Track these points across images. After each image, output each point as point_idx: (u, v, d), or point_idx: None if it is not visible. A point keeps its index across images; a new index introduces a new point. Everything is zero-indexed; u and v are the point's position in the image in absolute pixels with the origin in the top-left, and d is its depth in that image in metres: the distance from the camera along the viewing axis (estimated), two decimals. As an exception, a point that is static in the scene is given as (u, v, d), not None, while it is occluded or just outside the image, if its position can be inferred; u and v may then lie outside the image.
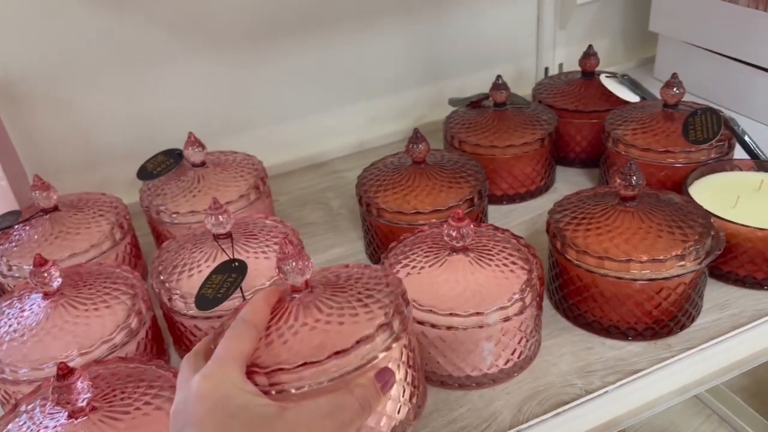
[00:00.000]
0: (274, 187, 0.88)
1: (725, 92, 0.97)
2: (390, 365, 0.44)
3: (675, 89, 0.74)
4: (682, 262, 0.56)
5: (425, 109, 1.03)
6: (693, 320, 0.60)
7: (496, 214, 0.79)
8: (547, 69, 1.09)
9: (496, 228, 0.62)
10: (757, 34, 0.89)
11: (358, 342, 0.42)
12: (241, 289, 0.55)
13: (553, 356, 0.58)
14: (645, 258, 0.56)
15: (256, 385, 0.40)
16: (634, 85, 0.85)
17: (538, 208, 0.80)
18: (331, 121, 0.97)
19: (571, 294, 0.61)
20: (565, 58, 1.09)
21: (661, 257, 0.56)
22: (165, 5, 0.81)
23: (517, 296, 0.54)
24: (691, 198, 0.65)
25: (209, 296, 0.52)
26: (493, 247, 0.58)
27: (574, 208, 0.62)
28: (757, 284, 0.63)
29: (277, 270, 0.45)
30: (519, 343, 0.55)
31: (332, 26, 0.91)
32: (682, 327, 0.60)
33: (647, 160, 0.72)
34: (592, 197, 0.64)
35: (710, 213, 0.62)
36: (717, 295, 0.63)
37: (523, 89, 0.96)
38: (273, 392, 0.41)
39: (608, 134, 0.76)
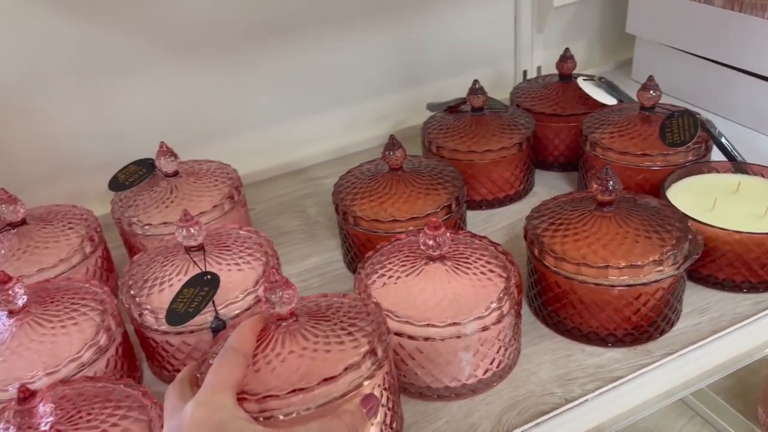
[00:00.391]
0: (251, 196, 0.87)
1: (702, 93, 0.97)
2: (374, 391, 0.45)
3: (651, 92, 0.74)
4: (660, 267, 0.55)
5: (404, 114, 1.02)
6: (673, 325, 0.60)
7: (476, 219, 0.79)
8: (525, 72, 1.08)
9: (474, 235, 0.61)
10: (732, 35, 0.89)
11: (345, 369, 0.44)
12: (213, 303, 0.53)
13: (532, 364, 0.58)
14: (623, 264, 0.55)
15: (247, 411, 0.41)
16: (611, 88, 0.85)
17: (518, 212, 0.79)
18: (308, 128, 0.96)
19: (550, 301, 0.60)
20: (543, 61, 1.09)
21: (639, 263, 0.55)
22: (135, 12, 0.79)
23: (494, 305, 0.53)
24: (669, 201, 0.64)
25: (180, 311, 0.51)
26: (471, 255, 0.57)
27: (552, 213, 0.62)
28: (736, 287, 0.63)
29: (263, 299, 0.46)
30: (498, 352, 0.55)
31: (308, 31, 0.90)
32: (662, 332, 0.59)
33: (625, 163, 0.72)
34: (569, 202, 0.63)
35: (688, 216, 0.61)
36: (697, 299, 0.63)
37: (502, 93, 0.95)
38: (261, 419, 0.42)
39: (586, 138, 0.76)
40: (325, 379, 0.43)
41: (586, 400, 0.53)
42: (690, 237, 0.58)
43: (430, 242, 0.55)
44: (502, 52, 1.07)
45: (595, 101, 0.83)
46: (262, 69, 0.90)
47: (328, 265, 0.74)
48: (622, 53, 1.14)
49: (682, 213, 0.61)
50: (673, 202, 0.65)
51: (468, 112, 0.82)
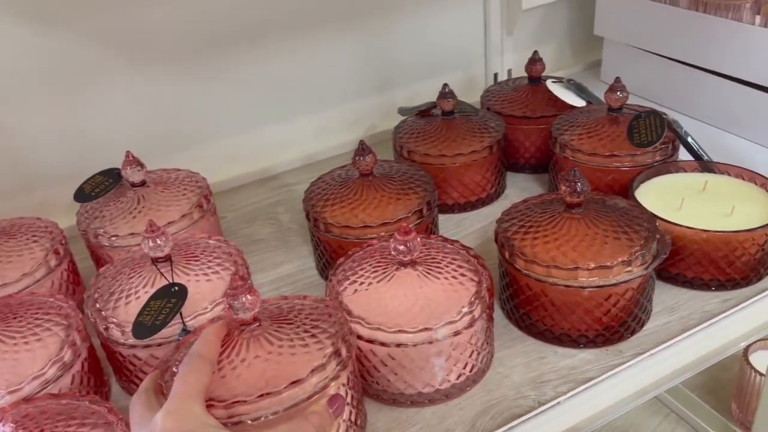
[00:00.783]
0: (222, 204, 0.86)
1: (670, 94, 0.98)
2: (339, 390, 0.46)
3: (618, 93, 0.74)
4: (629, 268, 0.56)
5: (376, 119, 1.02)
6: (643, 325, 0.60)
7: (448, 223, 0.79)
8: (496, 75, 1.09)
9: (446, 239, 0.61)
10: (697, 35, 0.90)
11: (311, 371, 0.44)
12: (181, 314, 0.53)
13: (506, 368, 0.58)
14: (592, 265, 0.56)
15: (215, 418, 0.41)
16: (579, 90, 0.86)
17: (490, 215, 0.79)
18: (280, 134, 0.95)
19: (521, 303, 0.60)
20: (514, 63, 1.10)
21: (608, 263, 0.56)
22: (101, 21, 0.78)
23: (465, 309, 0.53)
24: (637, 202, 0.65)
25: (147, 323, 0.50)
26: (442, 260, 0.57)
27: (522, 216, 0.62)
28: (704, 285, 0.63)
29: (226, 306, 0.46)
30: (470, 356, 0.54)
31: (277, 37, 0.89)
32: (633, 332, 0.59)
33: (594, 164, 0.72)
34: (539, 204, 0.63)
35: (656, 216, 0.62)
36: (666, 298, 0.63)
37: (474, 96, 0.96)
38: (229, 424, 0.42)
39: (555, 140, 0.76)
40: (292, 383, 0.43)
41: (559, 403, 0.53)
42: (658, 237, 0.59)
43: (401, 248, 0.55)
44: (472, 56, 1.07)
45: (564, 103, 0.84)
46: (232, 76, 0.89)
47: (301, 273, 0.73)
48: (592, 55, 1.15)
49: (650, 213, 0.62)
50: (642, 203, 0.66)
51: (439, 116, 0.82)
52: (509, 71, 1.10)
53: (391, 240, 0.55)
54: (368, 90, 1.00)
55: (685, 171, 0.71)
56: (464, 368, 0.54)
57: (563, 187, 0.59)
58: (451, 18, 1.02)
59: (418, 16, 0.99)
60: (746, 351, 0.97)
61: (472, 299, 0.53)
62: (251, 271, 0.71)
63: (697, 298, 0.63)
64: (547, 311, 0.58)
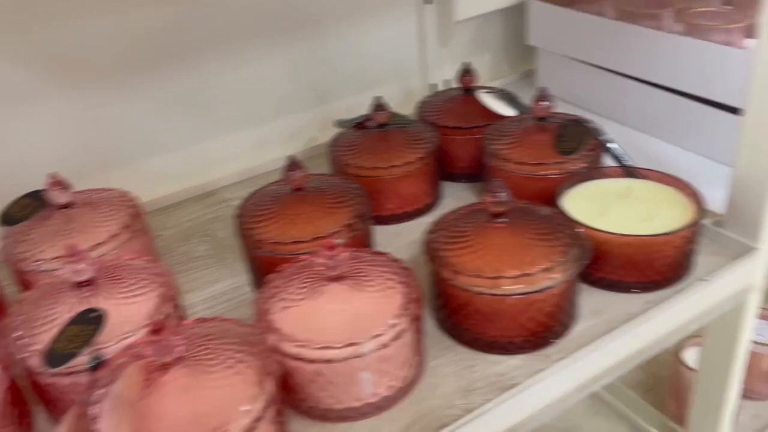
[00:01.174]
0: (158, 222, 0.85)
1: (600, 101, 1.01)
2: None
3: (544, 102, 0.76)
4: (551, 274, 0.57)
5: (316, 132, 1.02)
6: (569, 329, 0.62)
7: (385, 234, 0.79)
8: (434, 86, 1.10)
9: (376, 252, 0.62)
10: (623, 44, 0.93)
11: (237, 412, 0.44)
12: (97, 341, 0.51)
13: (436, 377, 0.58)
14: (515, 273, 0.57)
15: None
16: (511, 100, 0.88)
17: (427, 226, 0.80)
18: (217, 149, 0.95)
19: (451, 313, 0.61)
20: (451, 74, 1.11)
21: (530, 271, 0.57)
22: (23, 40, 0.76)
23: (393, 322, 0.53)
24: (561, 209, 0.67)
25: (61, 351, 0.49)
26: (371, 273, 0.57)
27: (449, 226, 0.63)
28: (628, 288, 0.65)
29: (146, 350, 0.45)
30: (399, 368, 0.55)
31: (211, 51, 0.89)
32: (559, 336, 0.61)
33: (522, 173, 0.74)
34: (467, 215, 0.64)
35: (579, 222, 0.64)
36: (592, 302, 0.65)
37: (412, 107, 0.97)
38: None
39: (486, 149, 0.78)
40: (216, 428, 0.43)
41: (487, 410, 0.54)
42: (579, 243, 0.60)
43: (327, 263, 0.55)
44: (409, 67, 1.08)
45: (496, 113, 0.86)
46: (167, 92, 0.88)
47: (237, 290, 0.72)
48: (527, 64, 1.18)
49: (572, 219, 0.63)
50: (567, 209, 0.67)
51: (373, 128, 0.83)
52: (447, 82, 1.11)
53: (317, 255, 0.55)
54: (307, 103, 1.01)
55: (610, 177, 0.73)
56: (394, 380, 0.55)
57: (487, 198, 0.60)
58: (386, 30, 1.03)
59: (353, 29, 1.00)
60: (680, 348, 1.01)
61: (399, 312, 0.54)
62: (185, 290, 0.71)
63: (621, 301, 0.65)
64: (474, 320, 0.60)
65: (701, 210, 0.65)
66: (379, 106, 0.81)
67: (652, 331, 0.62)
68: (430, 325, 0.64)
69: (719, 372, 0.79)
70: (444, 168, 0.87)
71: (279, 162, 0.97)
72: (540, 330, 0.59)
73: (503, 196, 0.59)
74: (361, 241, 0.70)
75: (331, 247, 0.54)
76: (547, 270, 0.57)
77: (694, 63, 0.85)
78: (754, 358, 0.95)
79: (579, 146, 0.72)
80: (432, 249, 0.61)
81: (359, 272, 0.57)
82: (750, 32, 0.84)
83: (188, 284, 0.73)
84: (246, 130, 0.96)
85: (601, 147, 0.76)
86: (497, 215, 0.61)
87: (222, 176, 0.94)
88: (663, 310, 0.62)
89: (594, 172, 0.73)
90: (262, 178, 0.93)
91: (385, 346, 0.53)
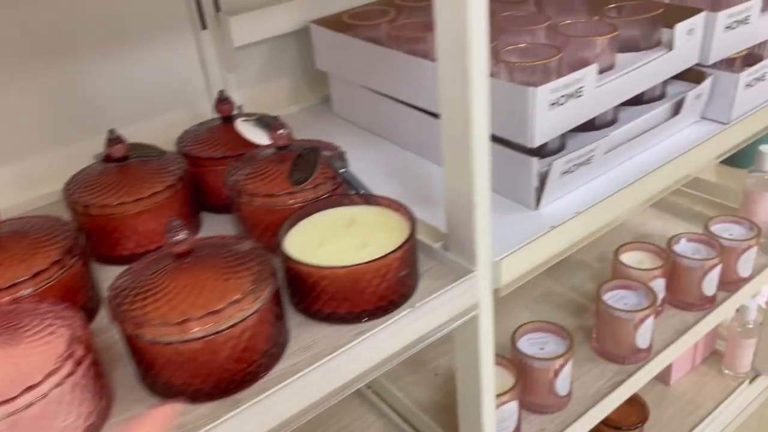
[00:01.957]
0: None
1: (384, 126, 1.01)
2: None
3: (280, 131, 0.75)
4: (241, 305, 0.55)
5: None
6: (269, 369, 0.60)
7: (124, 274, 0.75)
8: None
9: (41, 300, 0.57)
10: (394, 70, 0.93)
11: None
12: None
13: (117, 433, 0.54)
14: (201, 313, 0.54)
15: None
16: (270, 127, 0.86)
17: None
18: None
19: (147, 368, 0.57)
20: (244, 100, 1.09)
21: (218, 307, 0.54)
22: None
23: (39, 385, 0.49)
24: (253, 242, 0.64)
25: None
26: (27, 324, 0.53)
27: (135, 275, 0.59)
28: (340, 319, 0.64)
29: None
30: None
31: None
32: (255, 379, 0.58)
33: (258, 204, 0.72)
34: (155, 261, 0.60)
35: (290, 257, 0.62)
36: (305, 337, 0.63)
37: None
38: None
39: (226, 181, 0.75)
40: None
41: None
42: (271, 272, 0.58)
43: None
44: (195, 94, 1.05)
45: (252, 142, 0.84)
46: None
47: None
48: (326, 88, 1.17)
49: (263, 252, 0.61)
50: (289, 242, 0.66)
51: (113, 164, 0.79)
52: (240, 107, 1.09)
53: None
54: (78, 134, 0.95)
55: (342, 206, 0.72)
56: (55, 441, 0.51)
57: (165, 239, 0.57)
58: (166, 56, 1.00)
59: (128, 55, 0.96)
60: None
61: (44, 378, 0.50)
62: None
63: (334, 333, 0.63)
64: (169, 370, 0.56)
65: (412, 235, 0.65)
66: (113, 141, 0.77)
67: (361, 361, 0.61)
68: (131, 380, 0.60)
69: (471, 384, 0.78)
70: (204, 200, 0.84)
71: (46, 198, 0.92)
72: (227, 375, 0.56)
73: (181, 236, 0.57)
74: (73, 282, 0.66)
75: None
76: (236, 302, 0.55)
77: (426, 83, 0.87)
78: (537, 372, 0.97)
79: (309, 175, 0.71)
80: (114, 305, 0.57)
81: (14, 325, 0.53)
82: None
83: None
84: (4, 166, 0.90)
85: (337, 176, 0.75)
86: (181, 255, 0.58)
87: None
88: (369, 340, 0.61)
89: (327, 202, 0.72)
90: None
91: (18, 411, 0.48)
